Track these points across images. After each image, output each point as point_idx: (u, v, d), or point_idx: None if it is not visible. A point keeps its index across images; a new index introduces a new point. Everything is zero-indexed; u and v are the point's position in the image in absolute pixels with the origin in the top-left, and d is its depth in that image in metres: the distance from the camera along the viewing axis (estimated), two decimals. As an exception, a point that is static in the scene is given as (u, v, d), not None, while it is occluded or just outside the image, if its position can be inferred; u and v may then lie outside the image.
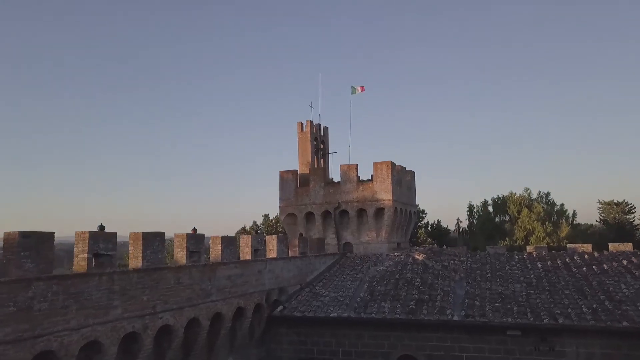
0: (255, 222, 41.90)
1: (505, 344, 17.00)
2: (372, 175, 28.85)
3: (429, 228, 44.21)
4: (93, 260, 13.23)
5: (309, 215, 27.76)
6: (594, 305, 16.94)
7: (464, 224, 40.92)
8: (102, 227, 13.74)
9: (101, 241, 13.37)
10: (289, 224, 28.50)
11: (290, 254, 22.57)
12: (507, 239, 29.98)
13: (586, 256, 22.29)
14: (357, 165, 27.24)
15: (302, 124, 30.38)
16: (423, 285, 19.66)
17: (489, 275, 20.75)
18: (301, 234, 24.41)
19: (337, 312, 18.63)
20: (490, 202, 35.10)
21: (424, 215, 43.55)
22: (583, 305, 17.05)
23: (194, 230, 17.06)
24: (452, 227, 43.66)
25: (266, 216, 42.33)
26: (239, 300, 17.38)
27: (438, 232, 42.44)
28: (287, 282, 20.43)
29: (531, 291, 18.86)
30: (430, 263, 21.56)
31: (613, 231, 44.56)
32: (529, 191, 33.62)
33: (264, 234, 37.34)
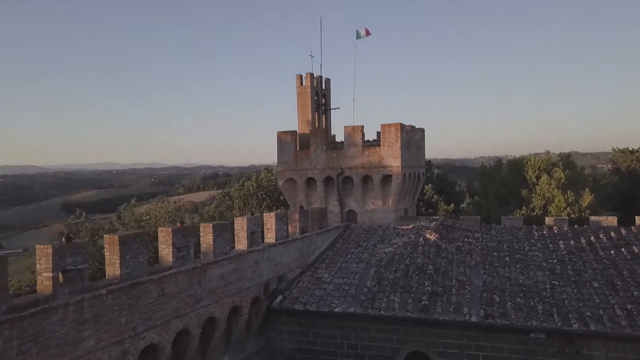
0: (256, 175, 39.22)
1: (526, 344, 15.50)
2: (377, 133, 26.46)
3: (434, 179, 42.30)
4: (60, 275, 11.34)
5: (310, 181, 25.62)
6: (628, 306, 15.26)
7: (473, 187, 38.96)
8: (69, 238, 11.63)
9: (68, 255, 11.38)
10: (288, 189, 26.42)
11: (290, 229, 20.70)
12: (523, 207, 28.06)
13: (612, 234, 20.45)
14: (362, 127, 24.70)
15: (301, 77, 27.43)
16: (436, 274, 17.90)
17: (507, 259, 18.97)
18: (301, 207, 22.44)
19: (342, 306, 16.99)
20: (504, 163, 32.79)
21: (429, 168, 41.39)
22: (616, 305, 15.36)
23: (181, 223, 15.01)
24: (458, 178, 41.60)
25: (267, 169, 39.80)
26: (234, 299, 15.67)
27: (444, 186, 40.64)
28: (287, 267, 18.68)
29: (555, 282, 17.16)
30: (443, 244, 19.72)
31: (626, 181, 42.68)
32: (549, 154, 31.26)
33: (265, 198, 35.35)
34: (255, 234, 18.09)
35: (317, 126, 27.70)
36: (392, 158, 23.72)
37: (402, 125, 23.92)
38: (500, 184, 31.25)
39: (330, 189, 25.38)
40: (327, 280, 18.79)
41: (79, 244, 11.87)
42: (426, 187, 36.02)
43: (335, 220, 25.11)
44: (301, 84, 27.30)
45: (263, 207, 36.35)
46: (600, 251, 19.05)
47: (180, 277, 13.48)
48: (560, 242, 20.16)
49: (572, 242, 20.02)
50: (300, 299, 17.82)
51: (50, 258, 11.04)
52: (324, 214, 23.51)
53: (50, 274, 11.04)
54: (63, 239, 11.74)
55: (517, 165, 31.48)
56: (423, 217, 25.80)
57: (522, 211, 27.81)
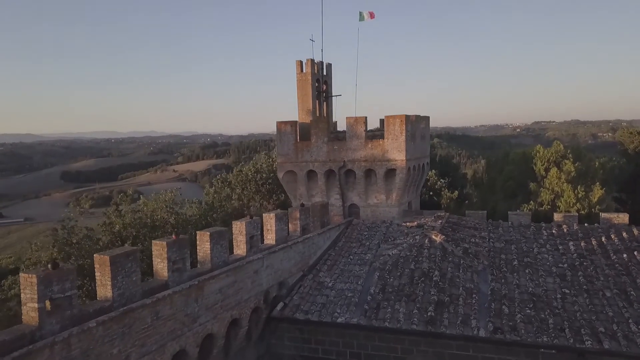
0: (254, 161, 38.44)
1: (536, 357, 14.98)
2: (381, 120, 25.49)
3: (437, 161, 41.40)
4: (48, 304, 10.66)
5: (311, 174, 24.74)
6: (644, 321, 14.67)
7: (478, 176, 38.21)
8: (55, 265, 10.88)
9: (55, 283, 10.71)
10: (288, 182, 25.57)
11: (291, 227, 20.04)
12: (531, 202, 27.24)
13: (624, 234, 19.75)
14: (365, 118, 23.63)
15: (301, 63, 26.20)
16: (442, 281, 17.27)
17: (515, 262, 18.32)
18: (302, 204, 21.66)
19: (345, 316, 16.40)
20: (512, 155, 31.79)
21: (432, 150, 40.40)
22: (630, 320, 14.76)
23: (177, 235, 14.22)
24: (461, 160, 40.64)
25: (267, 154, 38.89)
26: (233, 312, 15.06)
27: (448, 169, 39.78)
28: (287, 272, 18.03)
29: (566, 290, 16.54)
30: (450, 247, 19.01)
31: (633, 162, 41.91)
32: (559, 146, 30.24)
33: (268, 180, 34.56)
34: (255, 237, 17.41)
35: (318, 115, 26.66)
36: (396, 151, 22.79)
37: (406, 117, 22.88)
38: (507, 176, 30.37)
39: (331, 182, 24.55)
40: (329, 285, 18.17)
41: (66, 270, 11.14)
42: (429, 172, 35.16)
43: (337, 214, 24.40)
44: (301, 70, 26.10)
45: (263, 191, 35.67)
46: (612, 254, 18.38)
47: (175, 298, 12.81)
48: (570, 243, 19.48)
49: (582, 244, 19.34)
50: (302, 306, 17.24)
51: (36, 288, 10.38)
52: (325, 209, 22.76)
53: (36, 305, 10.41)
54: (49, 266, 11.01)
55: (525, 157, 30.53)
56: (427, 211, 25.03)
57: (530, 205, 27.05)
